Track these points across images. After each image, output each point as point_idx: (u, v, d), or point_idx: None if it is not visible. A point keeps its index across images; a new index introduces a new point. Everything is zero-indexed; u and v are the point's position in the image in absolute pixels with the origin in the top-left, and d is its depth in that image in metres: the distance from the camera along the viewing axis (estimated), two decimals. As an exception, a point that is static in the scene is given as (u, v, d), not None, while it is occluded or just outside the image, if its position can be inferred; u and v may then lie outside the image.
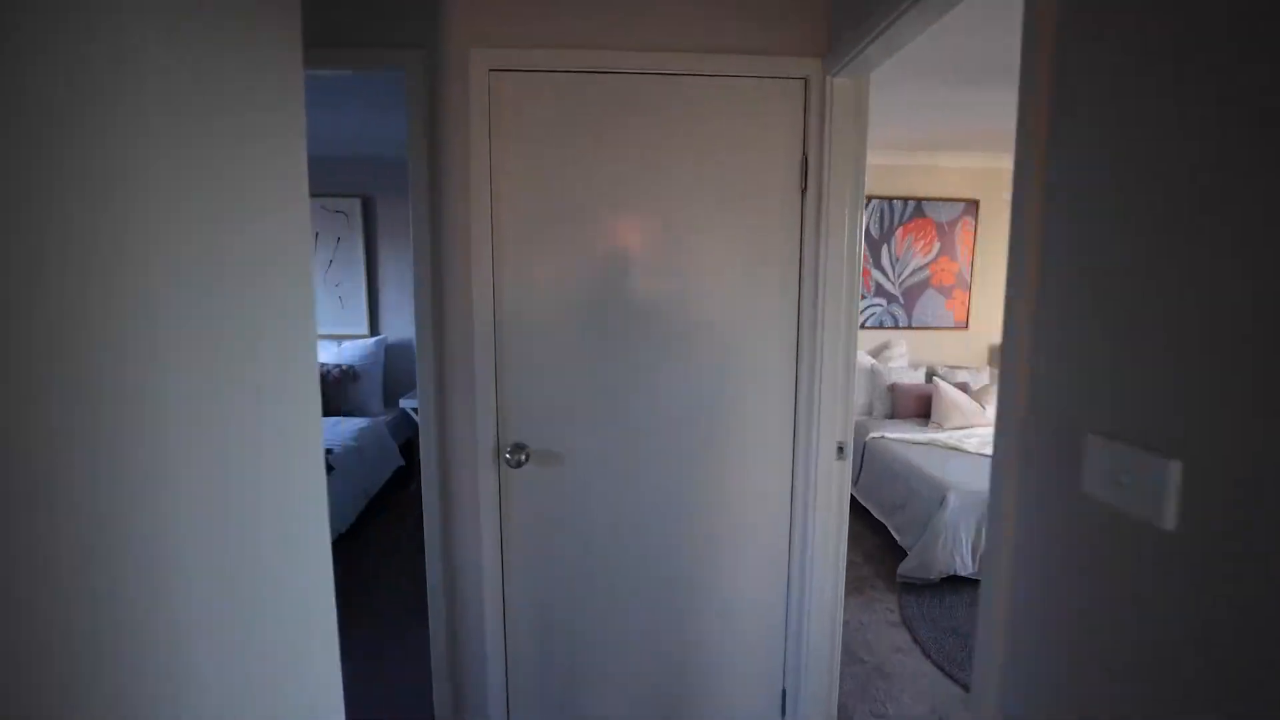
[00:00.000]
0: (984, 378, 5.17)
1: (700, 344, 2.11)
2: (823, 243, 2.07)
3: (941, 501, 3.61)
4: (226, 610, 0.88)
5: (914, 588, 3.62)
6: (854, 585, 3.62)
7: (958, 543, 3.56)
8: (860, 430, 4.77)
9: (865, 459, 4.60)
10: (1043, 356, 1.08)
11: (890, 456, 4.31)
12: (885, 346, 5.49)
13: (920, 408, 4.93)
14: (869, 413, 5.20)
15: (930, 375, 5.26)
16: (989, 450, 4.28)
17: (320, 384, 1.11)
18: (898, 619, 3.36)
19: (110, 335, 0.70)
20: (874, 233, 5.37)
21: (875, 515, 4.31)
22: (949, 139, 4.76)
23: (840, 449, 2.12)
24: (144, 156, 0.74)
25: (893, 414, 5.06)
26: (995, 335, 5.59)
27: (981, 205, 5.40)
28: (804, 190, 2.06)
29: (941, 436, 4.48)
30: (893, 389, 5.04)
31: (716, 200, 2.05)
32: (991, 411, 4.69)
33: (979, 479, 3.73)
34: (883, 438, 4.57)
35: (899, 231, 5.40)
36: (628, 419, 2.13)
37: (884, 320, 5.50)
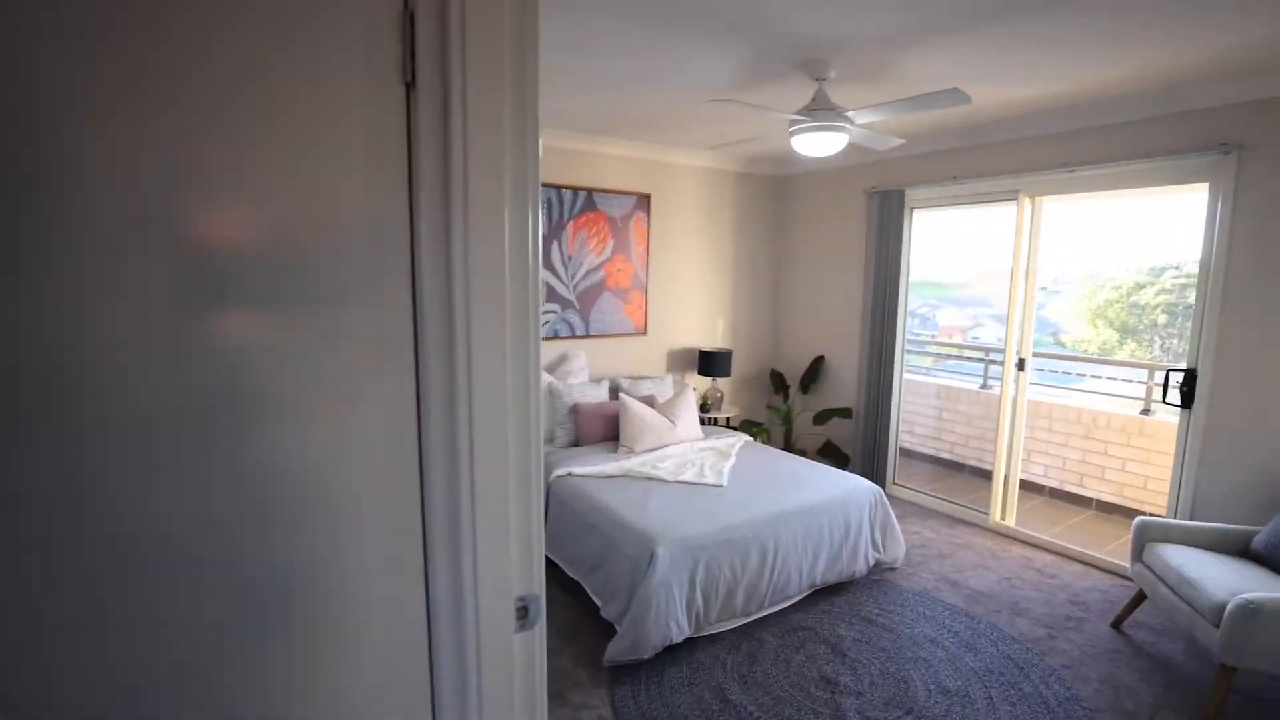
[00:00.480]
0: (668, 388, 4.76)
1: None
2: (460, 195, 0.99)
3: (650, 560, 2.89)
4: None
5: (627, 670, 2.83)
6: (552, 688, 2.67)
7: (672, 606, 2.87)
8: (543, 467, 3.89)
9: (552, 503, 3.72)
10: None
11: (581, 500, 3.50)
12: (563, 359, 4.73)
13: (608, 430, 4.26)
14: (550, 440, 4.37)
15: (615, 390, 4.66)
16: (688, 475, 3.54)
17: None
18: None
19: None
20: (543, 227, 4.54)
21: (569, 573, 3.47)
22: (623, 122, 4.18)
23: (524, 610, 1.09)
24: None
25: (578, 440, 4.30)
26: (676, 340, 5.26)
27: (654, 200, 5.00)
28: (410, 82, 0.96)
29: (635, 464, 3.84)
30: (576, 411, 4.28)
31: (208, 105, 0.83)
32: (683, 427, 4.25)
33: (686, 519, 3.12)
34: (569, 475, 3.75)
35: (570, 226, 4.67)
36: None
37: (559, 329, 4.73)
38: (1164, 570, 2.85)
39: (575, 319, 4.76)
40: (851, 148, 4.75)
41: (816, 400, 5.36)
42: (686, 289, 5.24)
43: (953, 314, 9.76)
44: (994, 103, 3.47)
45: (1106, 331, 10.10)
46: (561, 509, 3.61)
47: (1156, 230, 7.43)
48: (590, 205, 4.70)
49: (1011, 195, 4.08)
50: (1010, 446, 4.23)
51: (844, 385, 5.14)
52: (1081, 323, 9.79)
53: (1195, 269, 3.28)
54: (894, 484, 4.87)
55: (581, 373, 4.62)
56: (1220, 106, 3.15)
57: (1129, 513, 4.50)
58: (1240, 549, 2.92)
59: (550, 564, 3.66)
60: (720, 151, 5.00)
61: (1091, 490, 4.70)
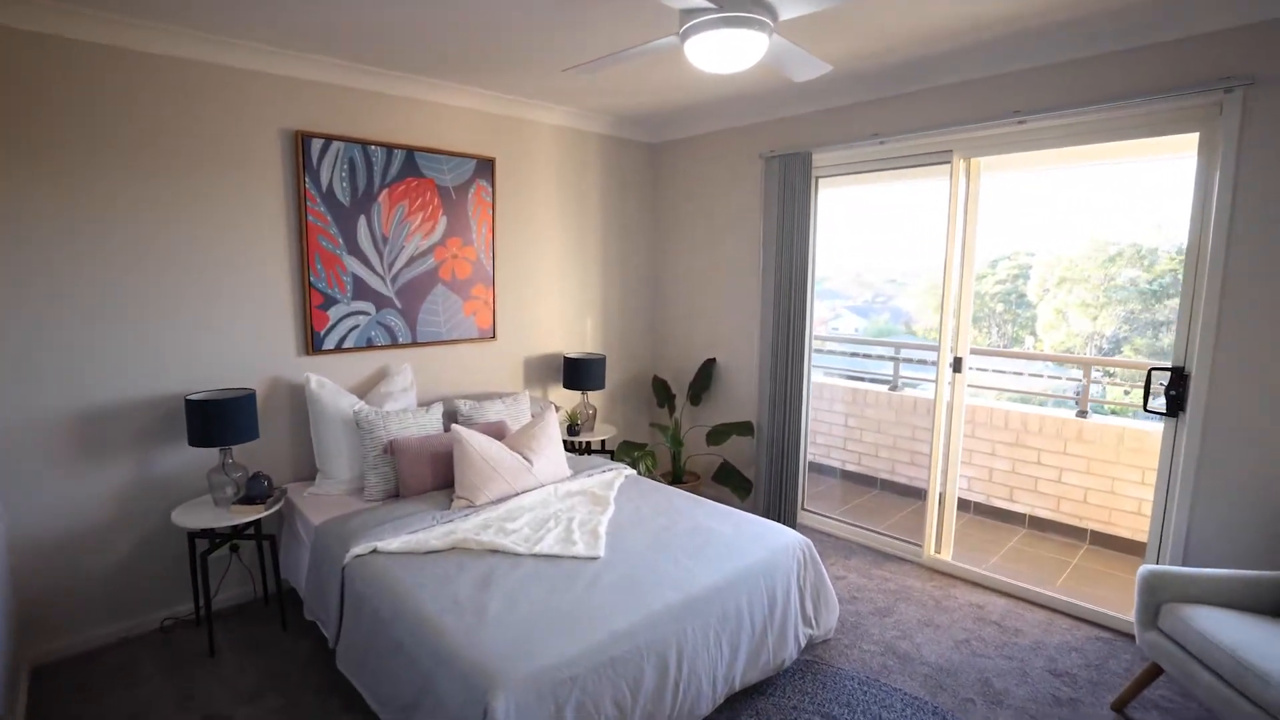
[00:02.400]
0: (523, 409, 3.50)
1: None
2: None
3: (484, 714, 1.66)
4: None
5: None
6: None
7: (517, 795, 1.65)
8: (336, 539, 2.52)
9: (349, 598, 2.36)
10: None
11: (387, 596, 2.15)
12: (381, 377, 3.34)
13: (440, 475, 2.92)
14: (358, 490, 2.98)
15: (453, 417, 3.34)
16: (549, 542, 2.50)
17: None
18: None
19: None
20: (342, 195, 3.15)
21: (375, 710, 2.14)
22: (457, 60, 2.88)
23: None
24: None
25: (397, 490, 2.95)
26: (534, 346, 3.99)
27: (500, 166, 3.72)
28: None
29: (474, 527, 2.54)
30: (393, 450, 2.93)
31: None
32: (544, 465, 3.00)
33: (546, 629, 1.87)
34: (374, 553, 2.41)
35: (384, 196, 3.29)
36: None
37: (373, 336, 3.34)
38: (1202, 648, 2.00)
39: (396, 321, 3.38)
40: (746, 99, 3.71)
41: (709, 412, 4.32)
42: (546, 281, 4.01)
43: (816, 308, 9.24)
44: (930, 27, 2.56)
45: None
46: (359, 608, 2.25)
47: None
48: (412, 169, 3.34)
49: (943, 157, 3.21)
50: (946, 463, 3.39)
51: (741, 393, 4.13)
52: (928, 312, 9.65)
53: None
54: (803, 509, 3.94)
55: (405, 395, 3.25)
56: (1222, 31, 2.38)
57: (1067, 530, 3.83)
58: (1275, 605, 2.16)
59: (356, 698, 2.31)
60: (583, 107, 3.81)
61: (1023, 505, 3.99)
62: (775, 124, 3.76)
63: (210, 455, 2.83)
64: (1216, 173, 2.41)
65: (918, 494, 4.45)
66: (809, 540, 2.62)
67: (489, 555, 2.35)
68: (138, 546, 2.76)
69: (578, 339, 4.22)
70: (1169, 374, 2.60)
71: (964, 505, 4.25)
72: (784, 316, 3.73)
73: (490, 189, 3.63)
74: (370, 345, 3.29)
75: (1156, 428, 3.49)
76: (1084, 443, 3.73)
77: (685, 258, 4.37)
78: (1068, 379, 5.73)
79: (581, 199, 4.11)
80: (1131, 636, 2.74)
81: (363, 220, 3.19)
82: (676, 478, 4.17)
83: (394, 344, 3.37)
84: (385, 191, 3.25)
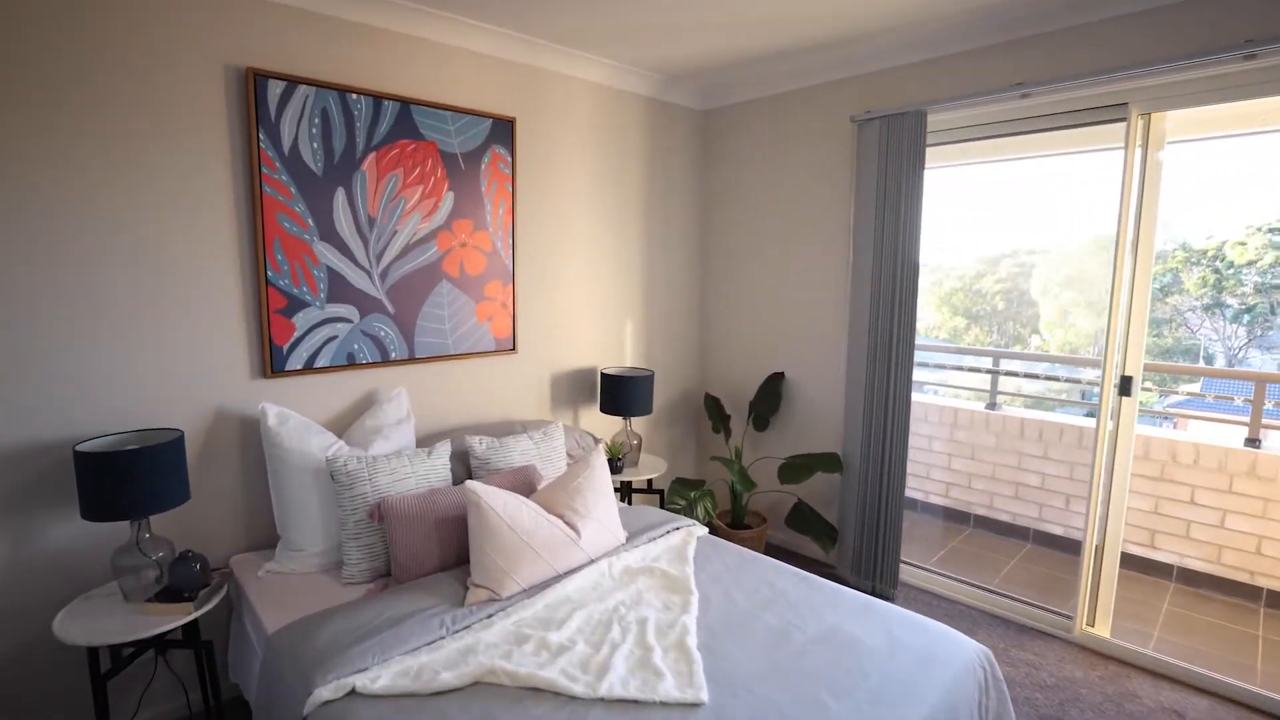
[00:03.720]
0: (556, 448, 2.59)
1: None
2: None
3: None
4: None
5: None
6: None
7: None
8: (293, 666, 1.61)
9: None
10: None
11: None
12: (365, 407, 2.43)
13: (449, 548, 1.98)
14: (334, 567, 2.03)
15: (462, 461, 2.41)
16: (619, 675, 1.62)
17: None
18: None
19: None
20: (312, 159, 2.24)
21: None
22: None
23: None
24: None
25: (389, 570, 2.06)
26: (563, 360, 3.07)
27: (520, 129, 2.86)
28: None
29: (499, 638, 1.61)
30: (383, 513, 2.03)
31: None
32: (594, 533, 2.06)
33: None
34: (352, 695, 1.50)
35: (371, 162, 2.40)
36: None
37: (357, 350, 2.43)
38: None
39: (387, 330, 2.49)
40: (826, 47, 2.63)
41: (778, 440, 3.42)
42: (577, 277, 3.11)
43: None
44: None
45: (954, 319, 9.45)
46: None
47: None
48: (409, 129, 2.45)
49: (1116, 113, 2.38)
50: (1107, 510, 2.55)
51: (820, 416, 3.24)
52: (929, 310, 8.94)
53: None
54: (902, 562, 3.08)
55: (400, 430, 2.35)
56: None
57: (1232, 588, 2.97)
58: None
59: None
60: (621, 59, 2.91)
61: (1167, 553, 3.19)
62: (869, 78, 2.87)
63: (117, 528, 1.94)
64: None
65: (1021, 533, 3.61)
66: (987, 651, 1.77)
67: (530, 698, 1.48)
68: (12, 663, 1.86)
69: (614, 350, 3.35)
70: None
71: (1066, 543, 3.43)
72: (883, 321, 2.85)
73: (509, 159, 2.75)
74: (352, 363, 2.40)
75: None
76: (1258, 479, 2.91)
77: (743, 250, 3.49)
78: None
79: (619, 177, 3.23)
80: None
81: (341, 195, 2.30)
82: (736, 521, 3.31)
83: (384, 360, 2.48)
84: (372, 157, 2.35)
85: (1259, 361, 8.08)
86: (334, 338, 2.33)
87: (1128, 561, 3.21)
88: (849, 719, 1.40)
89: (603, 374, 3.06)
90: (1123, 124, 2.31)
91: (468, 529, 1.93)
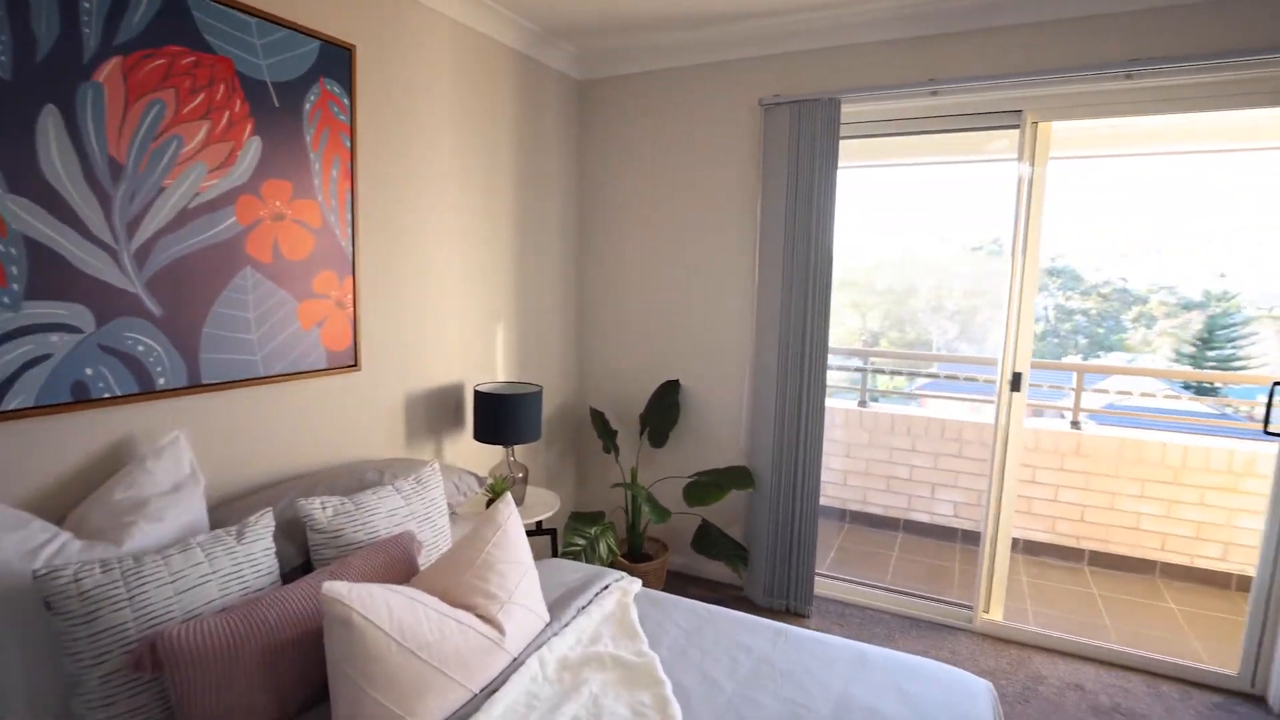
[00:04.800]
0: (436, 498, 1.78)
1: None
2: None
3: None
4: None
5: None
6: None
7: None
8: None
9: None
10: None
11: None
12: (114, 463, 1.43)
13: (291, 695, 1.19)
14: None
15: (300, 545, 1.55)
16: None
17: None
18: None
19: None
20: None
21: None
22: None
23: None
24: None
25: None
26: (418, 378, 2.32)
27: (362, 62, 2.03)
28: None
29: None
30: (160, 659, 1.09)
31: None
32: (522, 622, 1.41)
33: None
34: None
35: (109, 72, 1.45)
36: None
37: (93, 380, 1.42)
38: None
39: (149, 342, 1.53)
40: (732, 19, 2.38)
41: (676, 456, 2.98)
42: (438, 269, 2.35)
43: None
44: None
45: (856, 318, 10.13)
46: None
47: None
48: (185, 31, 1.52)
49: (1013, 120, 2.36)
50: (1001, 500, 2.56)
51: (723, 429, 2.88)
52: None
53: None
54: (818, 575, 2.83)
55: (178, 499, 1.41)
56: None
57: (1063, 552, 3.24)
58: None
59: None
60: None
61: (1018, 529, 3.32)
62: (780, 60, 2.57)
63: None
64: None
65: (893, 524, 3.67)
66: (990, 685, 1.52)
67: None
68: None
69: (484, 362, 2.64)
70: (1318, 387, 2.03)
71: (946, 531, 3.57)
72: (795, 322, 2.58)
73: (347, 102, 1.93)
74: (82, 399, 1.43)
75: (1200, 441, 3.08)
76: (1081, 457, 3.22)
77: (630, 244, 2.99)
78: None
79: (489, 146, 2.53)
80: (1247, 694, 2.14)
81: (50, 120, 1.34)
82: (634, 551, 2.82)
83: (146, 392, 1.53)
84: (114, 64, 1.41)
85: (965, 349, 9.83)
86: (43, 358, 1.35)
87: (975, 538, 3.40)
88: None
89: (478, 392, 2.35)
90: (1017, 130, 2.31)
91: (326, 660, 1.18)
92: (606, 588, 1.78)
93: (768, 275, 2.64)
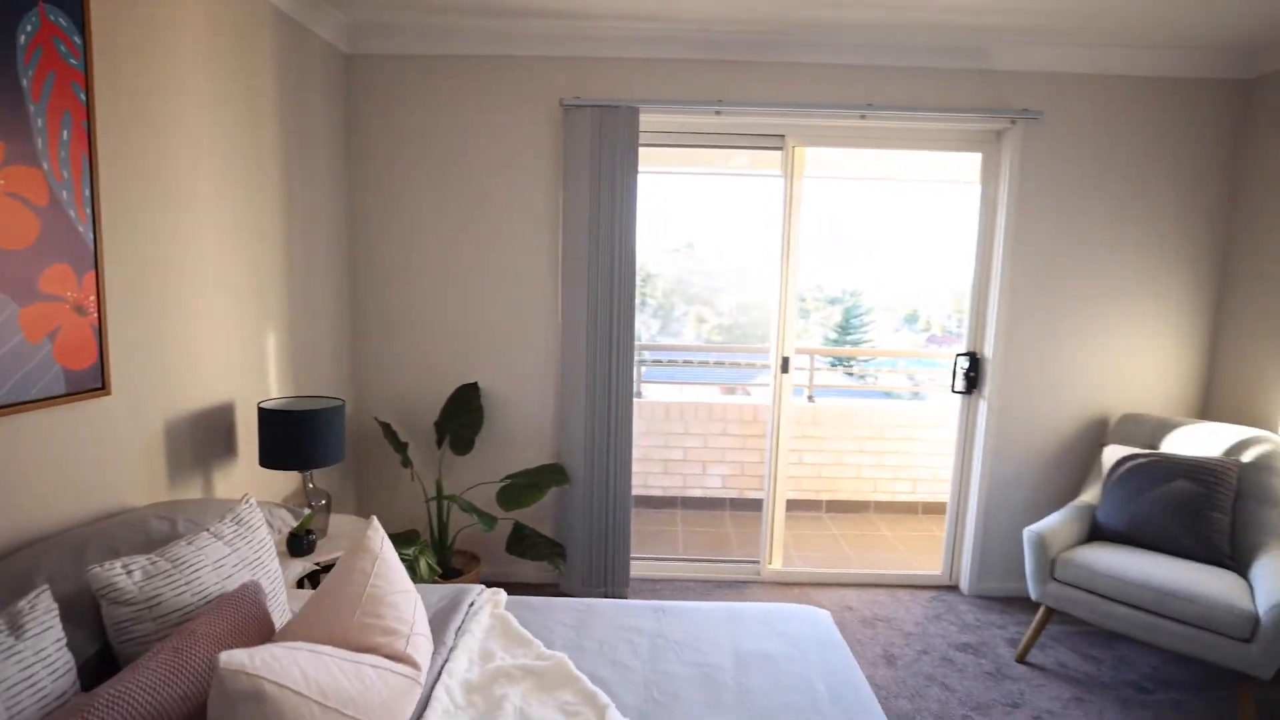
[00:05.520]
0: (261, 536, 1.51)
1: None
2: None
3: None
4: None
5: None
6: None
7: None
8: None
9: None
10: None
11: None
12: None
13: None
14: None
15: (93, 631, 1.16)
16: None
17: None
18: None
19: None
20: None
21: None
22: None
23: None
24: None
25: None
26: (181, 400, 2.08)
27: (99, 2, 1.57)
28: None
29: None
30: None
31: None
32: (424, 648, 1.41)
33: None
34: None
35: None
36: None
37: None
38: (1125, 589, 2.27)
39: None
40: (534, 14, 2.45)
41: (484, 462, 2.93)
42: (206, 266, 1.95)
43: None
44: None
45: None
46: None
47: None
48: None
49: (776, 141, 2.91)
50: (777, 468, 3.15)
51: (529, 429, 2.95)
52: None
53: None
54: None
55: None
56: (1020, 71, 2.76)
57: (806, 505, 4.11)
58: (1092, 529, 2.67)
59: None
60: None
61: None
62: (582, 63, 2.73)
63: None
64: (1000, 190, 2.86)
65: (671, 503, 4.16)
66: (829, 613, 1.94)
67: None
68: None
69: (256, 374, 2.24)
70: (968, 359, 3.01)
71: (716, 503, 4.17)
72: (602, 320, 2.79)
73: (78, 41, 1.49)
74: None
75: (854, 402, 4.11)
76: (817, 425, 4.13)
77: (415, 241, 2.83)
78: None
79: (253, 119, 2.15)
80: (950, 586, 3.11)
81: None
82: (443, 568, 2.70)
83: None
84: None
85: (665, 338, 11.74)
86: None
87: (747, 504, 4.12)
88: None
89: (265, 410, 2.02)
90: (780, 152, 2.90)
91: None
92: (473, 604, 1.76)
93: (573, 273, 2.81)
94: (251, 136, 2.18)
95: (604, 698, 1.39)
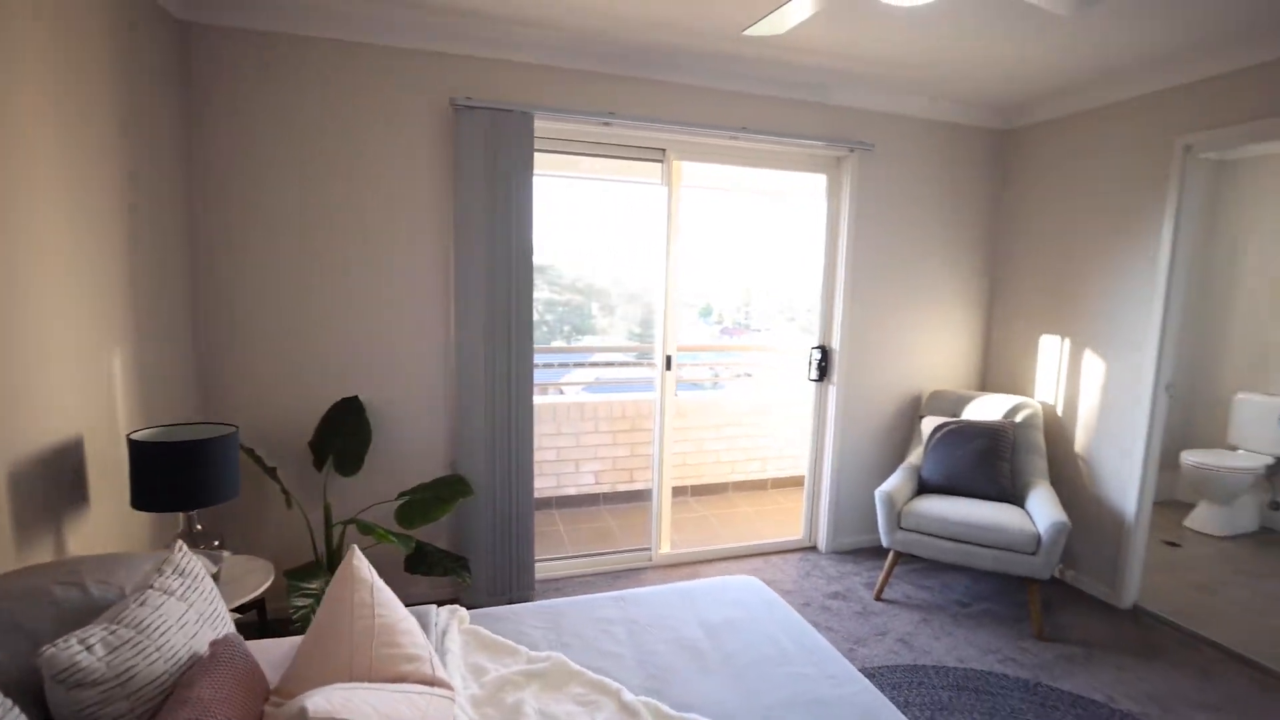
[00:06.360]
0: (207, 586, 1.33)
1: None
2: None
3: None
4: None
5: None
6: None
7: None
8: None
9: None
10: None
11: None
12: None
13: None
14: None
15: None
16: None
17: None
18: None
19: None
20: None
21: None
22: None
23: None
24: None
25: None
26: (29, 438, 1.86)
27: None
28: None
29: None
30: None
31: None
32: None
33: None
34: None
35: None
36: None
37: None
38: (947, 526, 2.94)
39: None
40: (417, 5, 2.48)
41: (373, 481, 2.75)
42: (33, 273, 1.63)
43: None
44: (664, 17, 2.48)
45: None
46: None
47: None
48: None
49: (657, 155, 3.14)
50: (663, 458, 3.40)
51: (419, 440, 2.85)
52: None
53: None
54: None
55: None
56: (858, 109, 3.33)
57: (678, 490, 4.44)
58: (919, 484, 3.35)
59: None
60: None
61: (641, 482, 4.36)
62: (473, 63, 2.70)
63: None
64: (841, 207, 3.44)
65: (547, 504, 4.22)
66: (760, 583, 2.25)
67: None
68: None
69: (102, 404, 1.90)
70: (820, 351, 3.56)
71: (590, 499, 4.33)
72: (500, 326, 2.80)
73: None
74: None
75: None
76: (681, 416, 4.47)
77: (277, 242, 2.56)
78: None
79: (85, 92, 1.83)
80: (811, 547, 3.66)
81: None
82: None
83: None
84: None
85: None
86: None
87: (628, 496, 4.36)
88: (848, 684, 1.64)
89: (140, 444, 1.74)
90: (660, 164, 3.15)
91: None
92: (435, 624, 1.75)
93: (467, 278, 2.79)
94: (79, 123, 1.85)
95: (613, 683, 1.53)
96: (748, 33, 1.88)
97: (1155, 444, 2.98)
